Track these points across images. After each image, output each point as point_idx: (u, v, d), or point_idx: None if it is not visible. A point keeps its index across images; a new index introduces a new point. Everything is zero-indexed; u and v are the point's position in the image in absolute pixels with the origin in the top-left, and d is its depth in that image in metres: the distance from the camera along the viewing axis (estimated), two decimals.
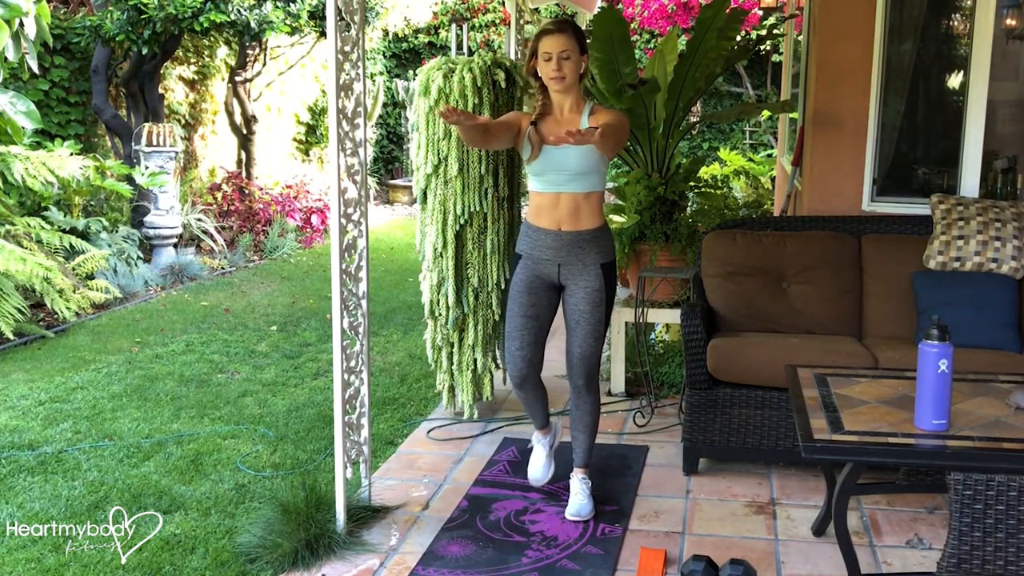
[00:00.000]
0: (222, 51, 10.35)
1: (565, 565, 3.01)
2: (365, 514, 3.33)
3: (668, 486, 3.67)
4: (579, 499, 3.37)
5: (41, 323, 6.26)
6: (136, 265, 7.61)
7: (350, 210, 3.18)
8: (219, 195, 9.76)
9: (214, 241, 8.96)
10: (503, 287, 4.20)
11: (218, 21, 8.05)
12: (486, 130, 3.02)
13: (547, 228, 3.21)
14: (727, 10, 4.38)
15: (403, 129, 14.00)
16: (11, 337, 5.68)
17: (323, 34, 9.88)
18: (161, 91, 9.00)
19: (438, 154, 4.08)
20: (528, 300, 3.26)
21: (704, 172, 8.94)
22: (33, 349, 5.77)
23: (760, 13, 10.22)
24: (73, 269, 6.70)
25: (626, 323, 4.71)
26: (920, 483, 3.26)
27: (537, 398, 3.44)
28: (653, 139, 4.75)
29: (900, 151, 4.81)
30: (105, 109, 8.28)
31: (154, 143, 7.98)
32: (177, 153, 8.27)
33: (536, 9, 6.65)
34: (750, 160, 9.84)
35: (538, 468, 3.58)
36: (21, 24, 4.65)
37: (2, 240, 5.92)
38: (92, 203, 8.00)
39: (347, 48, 3.08)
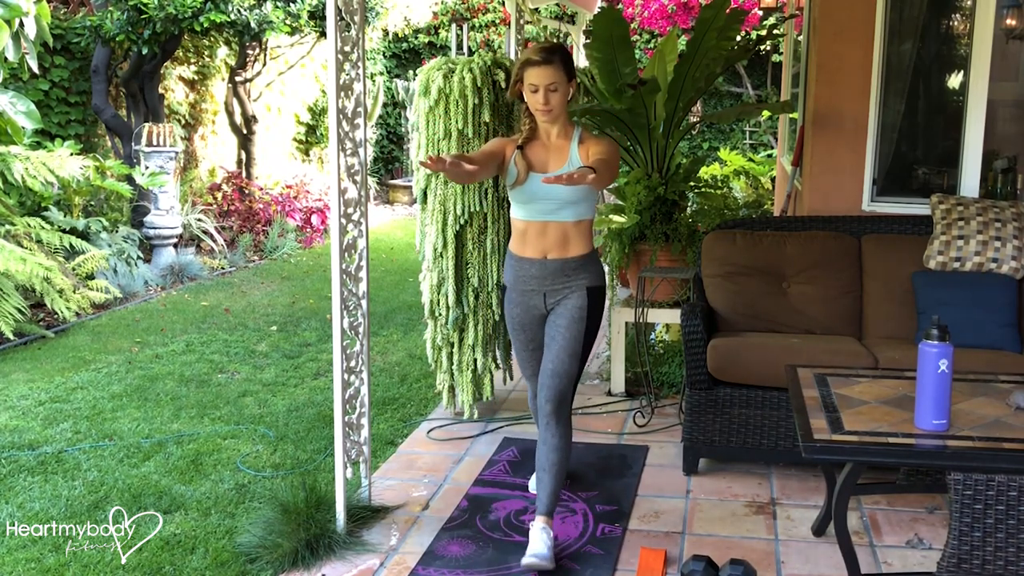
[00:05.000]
0: (222, 51, 10.35)
1: (565, 565, 3.00)
2: (365, 514, 3.33)
3: (668, 486, 3.67)
4: (539, 547, 2.93)
5: (41, 323, 6.25)
6: (136, 265, 7.61)
7: (350, 210, 3.18)
8: (219, 195, 9.76)
9: (214, 241, 8.96)
10: (503, 287, 4.20)
11: (218, 21, 8.05)
12: (471, 169, 2.82)
13: (532, 257, 3.06)
14: (727, 10, 4.38)
15: (403, 129, 14.00)
16: (11, 337, 5.68)
17: (323, 34, 9.88)
18: (161, 91, 9.00)
19: (438, 154, 4.08)
20: (525, 336, 3.18)
21: (704, 172, 8.94)
22: (33, 349, 5.77)
23: (760, 13, 10.22)
24: (73, 269, 6.70)
25: (626, 323, 4.72)
26: (920, 483, 3.25)
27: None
28: (653, 139, 4.74)
29: (900, 151, 4.82)
30: (105, 109, 8.28)
31: (154, 143, 7.98)
32: (177, 153, 8.27)
33: (536, 9, 6.64)
34: (750, 160, 9.83)
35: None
36: (21, 24, 4.66)
37: (2, 240, 5.92)
38: (92, 203, 8.00)
39: (347, 48, 3.08)
